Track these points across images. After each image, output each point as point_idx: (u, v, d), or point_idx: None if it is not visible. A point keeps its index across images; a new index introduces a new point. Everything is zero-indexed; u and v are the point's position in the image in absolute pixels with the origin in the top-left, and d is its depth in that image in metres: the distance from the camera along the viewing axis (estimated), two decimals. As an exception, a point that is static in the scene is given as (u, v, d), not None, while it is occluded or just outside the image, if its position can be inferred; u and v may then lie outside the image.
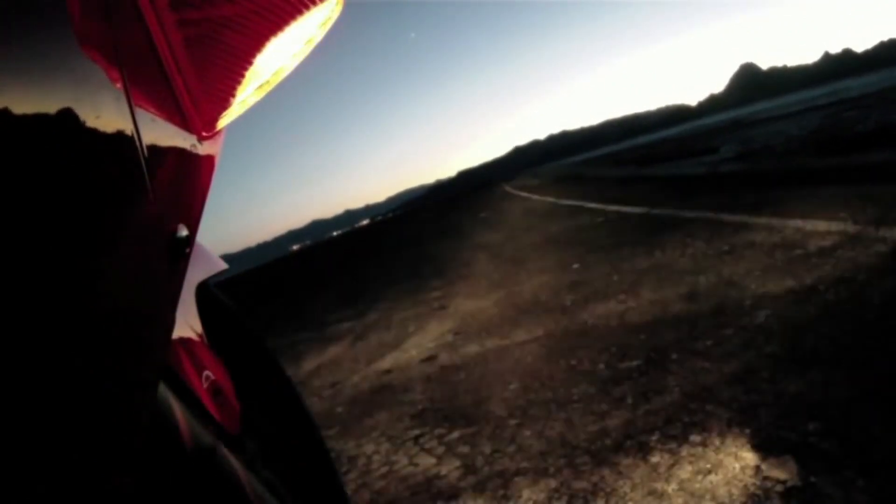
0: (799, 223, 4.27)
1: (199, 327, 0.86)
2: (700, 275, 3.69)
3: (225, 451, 0.67)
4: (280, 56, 0.68)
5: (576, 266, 5.20)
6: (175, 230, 0.55)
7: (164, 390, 0.62)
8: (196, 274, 0.97)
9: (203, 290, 1.00)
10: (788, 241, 3.87)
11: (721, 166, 12.52)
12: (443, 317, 4.90)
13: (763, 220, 4.73)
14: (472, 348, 3.67)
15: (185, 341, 0.79)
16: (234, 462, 0.69)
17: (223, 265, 1.12)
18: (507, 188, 35.11)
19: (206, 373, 0.80)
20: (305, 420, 1.26)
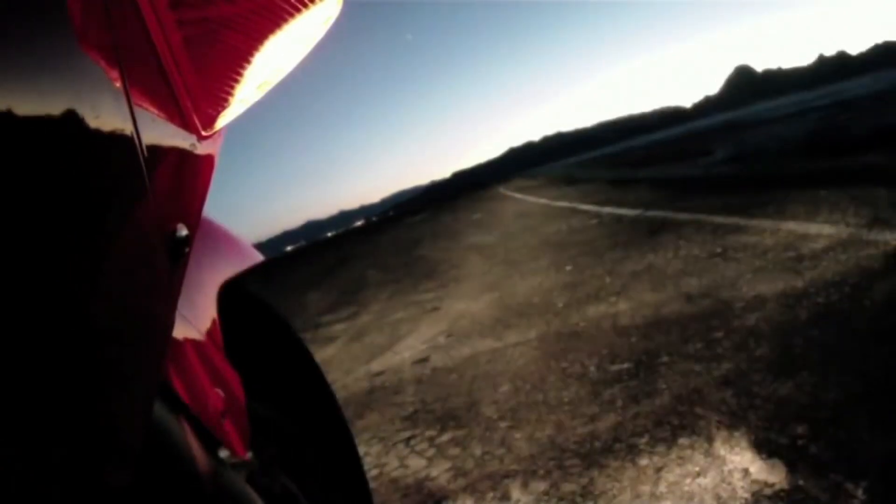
0: (791, 226, 4.28)
1: (216, 333, 0.84)
2: (692, 277, 3.70)
3: (230, 473, 0.67)
4: (280, 55, 0.68)
5: (569, 268, 5.21)
6: (175, 230, 0.55)
7: (168, 410, 0.61)
8: (223, 270, 0.95)
9: (233, 287, 0.97)
10: (781, 243, 3.88)
11: (714, 168, 12.53)
12: (436, 318, 4.90)
13: (755, 223, 4.74)
14: (464, 350, 3.67)
15: (196, 351, 0.76)
16: (241, 486, 0.68)
17: (258, 258, 1.09)
18: (502, 189, 35.08)
19: (217, 390, 0.77)
20: (339, 424, 1.24)
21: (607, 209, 8.97)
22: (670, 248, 4.70)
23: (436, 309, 5.28)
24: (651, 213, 7.13)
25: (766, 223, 4.63)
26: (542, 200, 15.44)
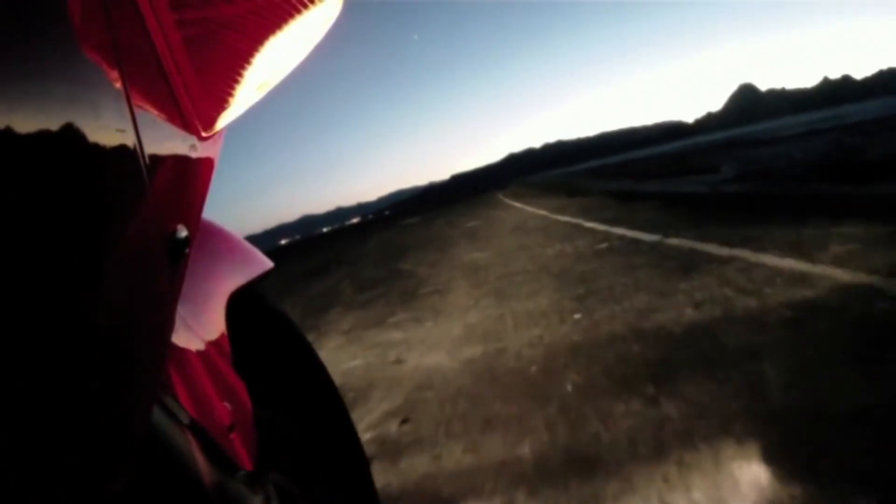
0: (878, 282, 3.07)
1: (224, 343, 0.83)
2: (765, 356, 2.47)
3: (235, 486, 0.66)
4: (279, 55, 0.66)
5: (577, 316, 3.95)
6: (175, 231, 0.54)
7: (172, 421, 0.60)
8: (232, 278, 0.94)
9: (245, 294, 0.97)
10: (881, 312, 2.65)
11: (725, 187, 11.53)
12: (395, 380, 3.62)
13: (823, 271, 3.53)
14: (421, 462, 2.40)
15: (203, 362, 0.75)
16: (246, 499, 0.67)
17: (268, 264, 1.07)
18: (500, 196, 33.84)
19: (224, 403, 0.76)
20: (351, 440, 1.22)
21: (618, 230, 7.73)
22: (719, 302, 3.45)
23: (400, 362, 4.00)
24: (674, 242, 5.89)
25: (841, 273, 3.41)
26: (542, 212, 14.20)
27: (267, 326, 1.10)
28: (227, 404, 0.76)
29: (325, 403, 1.19)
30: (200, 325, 0.79)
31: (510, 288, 5.58)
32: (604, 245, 6.78)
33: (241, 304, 0.94)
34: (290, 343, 1.14)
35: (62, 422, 0.35)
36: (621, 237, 7.11)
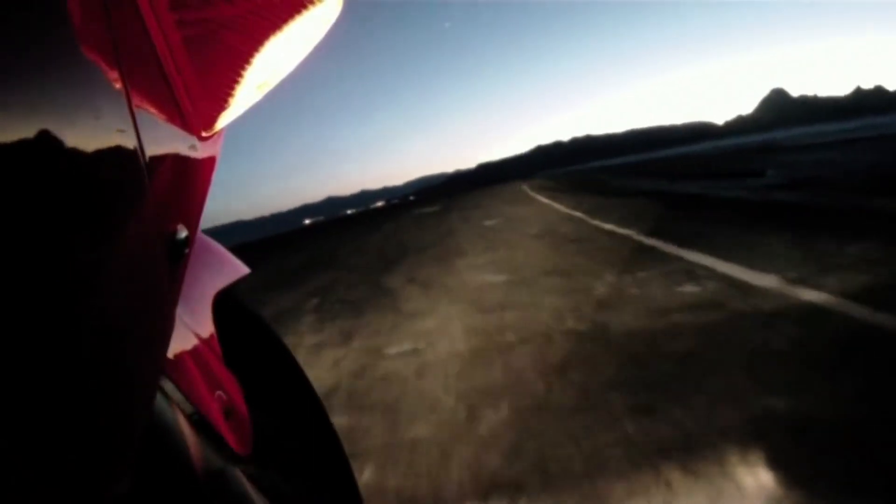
0: None
1: (214, 341, 0.85)
2: None
3: (234, 472, 0.65)
4: (279, 55, 0.66)
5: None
6: (175, 231, 0.54)
7: (172, 409, 0.61)
8: (215, 281, 0.96)
9: (225, 297, 0.98)
10: None
11: (777, 194, 9.64)
12: None
13: None
14: None
15: (197, 356, 0.77)
16: (244, 484, 0.66)
17: (244, 270, 1.09)
18: (525, 188, 31.20)
19: (219, 392, 0.78)
20: (329, 434, 1.21)
21: (696, 257, 5.21)
22: None
23: None
24: (812, 296, 3.36)
25: None
26: (577, 214, 11.59)
27: (245, 329, 1.09)
28: (221, 393, 0.77)
29: (305, 403, 1.16)
30: (193, 322, 0.79)
31: (540, 382, 3.02)
32: (692, 287, 4.23)
33: (221, 307, 0.93)
34: (267, 345, 1.13)
35: (64, 422, 0.34)
36: (710, 273, 4.56)
